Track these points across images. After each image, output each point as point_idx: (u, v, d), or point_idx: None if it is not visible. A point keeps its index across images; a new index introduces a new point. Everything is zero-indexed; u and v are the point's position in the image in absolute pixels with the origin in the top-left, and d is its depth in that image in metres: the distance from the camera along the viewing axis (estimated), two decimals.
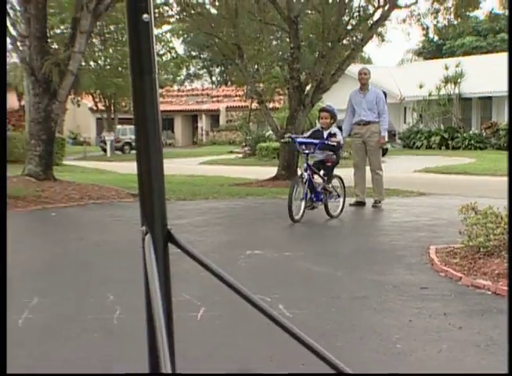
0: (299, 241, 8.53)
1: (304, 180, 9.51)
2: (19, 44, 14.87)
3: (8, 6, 14.86)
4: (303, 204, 9.54)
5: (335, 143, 9.85)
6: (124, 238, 8.71)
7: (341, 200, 10.42)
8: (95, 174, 22.80)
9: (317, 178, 9.97)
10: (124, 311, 4.97)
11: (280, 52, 19.51)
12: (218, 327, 4.70)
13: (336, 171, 10.42)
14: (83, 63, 18.22)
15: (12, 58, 17.21)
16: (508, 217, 5.66)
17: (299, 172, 10.21)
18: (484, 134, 36.34)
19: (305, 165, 9.73)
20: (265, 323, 3.06)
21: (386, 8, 17.81)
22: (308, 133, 10.69)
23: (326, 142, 9.76)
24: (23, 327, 4.76)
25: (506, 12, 19.11)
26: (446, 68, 37.61)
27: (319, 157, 10.03)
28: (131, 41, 2.97)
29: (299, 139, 10.29)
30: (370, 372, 3.19)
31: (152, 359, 2.98)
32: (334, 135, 10.02)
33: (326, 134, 10.00)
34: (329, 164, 10.05)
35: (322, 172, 10.04)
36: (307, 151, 9.93)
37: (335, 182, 10.46)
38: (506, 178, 17.27)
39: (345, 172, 12.18)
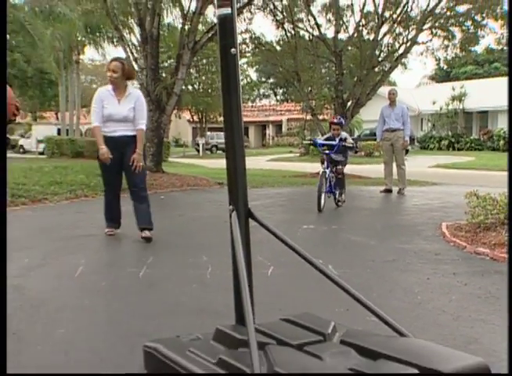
0: (342, 218, 8.47)
1: (326, 176, 8.94)
2: (139, 74, 15.10)
3: (132, 47, 15.12)
4: (324, 196, 8.90)
5: (351, 145, 9.33)
6: (213, 214, 8.78)
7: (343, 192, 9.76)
8: (191, 168, 23.03)
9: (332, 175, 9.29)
10: (214, 268, 5.01)
11: (328, 78, 19.40)
12: (283, 281, 4.71)
13: (371, 167, 10.12)
14: (183, 87, 18.32)
15: (134, 85, 17.48)
16: (508, 211, 5.51)
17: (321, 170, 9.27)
18: (481, 139, 35.95)
19: (326, 164, 9.04)
20: (319, 278, 3.04)
21: (408, 44, 17.84)
22: (323, 138, 9.89)
23: (344, 144, 9.09)
24: (142, 279, 4.83)
25: (500, 47, 18.96)
26: (453, 89, 37.45)
27: (333, 157, 9.19)
28: (223, 68, 2.97)
29: (320, 142, 9.53)
30: (398, 314, 3.13)
31: (237, 303, 3.00)
32: (345, 139, 9.22)
33: (337, 139, 9.18)
34: (340, 176, 9.30)
35: (334, 181, 9.20)
36: (327, 151, 9.12)
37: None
38: (499, 172, 17.04)
39: (377, 167, 12.08)
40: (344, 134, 9.48)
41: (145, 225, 6.38)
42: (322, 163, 9.24)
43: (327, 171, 8.99)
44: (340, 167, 9.23)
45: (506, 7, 16.10)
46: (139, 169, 6.21)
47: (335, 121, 9.75)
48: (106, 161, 6.12)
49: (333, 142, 9.13)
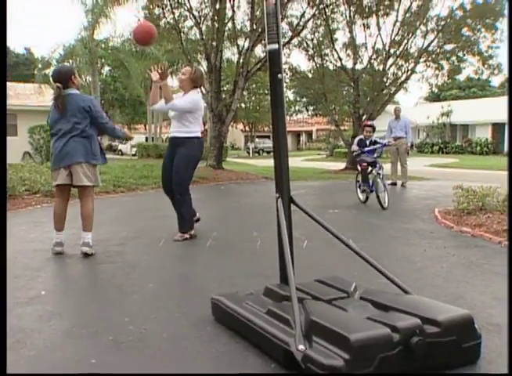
0: (359, 205, 8.26)
1: (377, 177, 7.60)
2: (205, 96, 15.21)
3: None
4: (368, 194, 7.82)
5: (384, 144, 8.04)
6: (260, 201, 8.77)
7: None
8: (244, 166, 23.05)
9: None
10: (262, 242, 4.99)
11: (347, 98, 19.14)
12: (316, 252, 4.66)
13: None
14: (238, 105, 18.39)
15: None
16: (508, 206, 5.30)
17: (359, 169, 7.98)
18: (463, 145, 35.34)
19: (378, 165, 7.71)
20: (343, 250, 3.01)
21: (408, 73, 17.78)
22: (356, 142, 8.15)
23: (386, 143, 8.03)
24: (208, 248, 4.85)
25: (477, 77, 18.84)
26: (442, 107, 36.96)
27: (368, 159, 7.82)
28: (272, 89, 2.97)
29: (366, 149, 7.80)
30: (403, 277, 3.07)
31: (281, 267, 2.99)
32: (375, 142, 7.98)
33: (368, 142, 7.91)
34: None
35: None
36: (375, 155, 7.84)
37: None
38: (477, 170, 16.57)
39: (384, 166, 11.87)
40: (374, 137, 8.20)
41: (179, 229, 5.23)
42: (367, 165, 7.83)
43: (380, 172, 7.63)
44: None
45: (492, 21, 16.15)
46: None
47: (369, 123, 8.50)
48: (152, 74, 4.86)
49: (377, 146, 7.89)
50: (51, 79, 4.55)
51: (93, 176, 4.45)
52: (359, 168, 7.99)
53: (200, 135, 5.19)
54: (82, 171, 4.35)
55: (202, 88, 5.53)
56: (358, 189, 8.25)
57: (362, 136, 8.26)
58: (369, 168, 7.80)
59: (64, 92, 4.27)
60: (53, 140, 4.43)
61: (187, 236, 5.16)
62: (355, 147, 8.09)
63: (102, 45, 24.15)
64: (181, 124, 5.09)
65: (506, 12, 14.99)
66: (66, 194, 4.56)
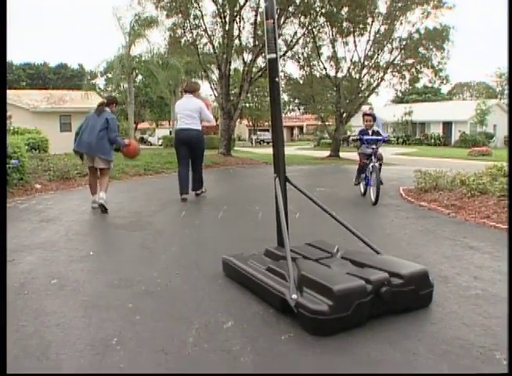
0: (341, 185, 8.19)
1: (374, 169, 5.86)
2: (217, 97, 15.03)
3: (214, 81, 15.03)
4: (369, 188, 6.09)
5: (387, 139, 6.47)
6: (261, 181, 8.68)
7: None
8: (248, 153, 22.87)
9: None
10: (263, 214, 4.94)
11: (331, 99, 18.95)
12: (306, 221, 4.62)
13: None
14: (243, 104, 18.27)
15: (214, 103, 17.44)
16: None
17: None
18: (421, 138, 35.38)
19: (373, 158, 5.95)
20: (328, 220, 2.98)
21: (378, 80, 17.79)
22: (357, 132, 6.31)
23: (386, 138, 6.27)
24: (220, 219, 4.83)
25: (431, 85, 18.68)
26: (405, 108, 36.71)
27: (367, 150, 6.11)
28: (271, 90, 2.90)
29: (366, 137, 6.00)
30: (375, 241, 3.05)
31: (278, 233, 2.96)
32: (378, 132, 6.22)
33: (370, 132, 6.15)
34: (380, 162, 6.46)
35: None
36: (374, 146, 5.95)
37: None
38: (432, 158, 16.48)
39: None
40: (376, 127, 6.41)
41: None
42: (367, 158, 6.11)
43: (376, 164, 5.93)
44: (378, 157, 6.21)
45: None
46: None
47: (368, 112, 6.71)
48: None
49: (379, 137, 6.10)
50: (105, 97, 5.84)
51: (107, 163, 5.34)
52: (360, 162, 6.42)
53: (176, 128, 6.07)
54: (100, 160, 5.27)
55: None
56: (361, 183, 6.57)
57: (363, 126, 6.37)
58: (367, 161, 6.13)
59: (103, 108, 5.35)
60: (83, 132, 5.28)
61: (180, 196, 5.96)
62: (355, 135, 6.41)
63: (137, 59, 23.98)
64: None
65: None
66: (95, 172, 5.43)
